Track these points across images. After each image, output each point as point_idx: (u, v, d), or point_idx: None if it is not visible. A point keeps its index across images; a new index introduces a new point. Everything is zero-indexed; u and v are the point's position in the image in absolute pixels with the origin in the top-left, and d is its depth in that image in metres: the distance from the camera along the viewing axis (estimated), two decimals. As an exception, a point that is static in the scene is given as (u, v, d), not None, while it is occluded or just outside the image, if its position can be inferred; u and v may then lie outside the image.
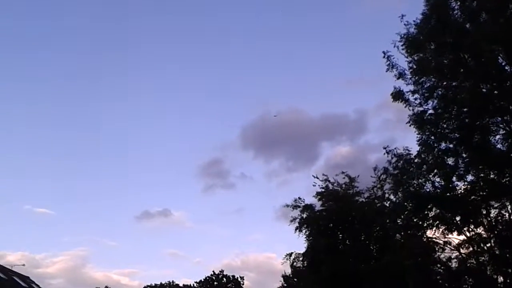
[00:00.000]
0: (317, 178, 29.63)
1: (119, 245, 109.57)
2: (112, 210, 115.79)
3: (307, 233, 29.20)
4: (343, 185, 29.21)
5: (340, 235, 29.43)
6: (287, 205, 29.82)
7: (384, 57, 21.52)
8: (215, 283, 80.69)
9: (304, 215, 29.42)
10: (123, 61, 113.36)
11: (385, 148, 22.75)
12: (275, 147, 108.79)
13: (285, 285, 53.31)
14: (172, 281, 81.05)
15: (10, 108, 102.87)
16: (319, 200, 29.35)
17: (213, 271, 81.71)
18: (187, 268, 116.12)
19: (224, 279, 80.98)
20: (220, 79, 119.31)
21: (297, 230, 29.29)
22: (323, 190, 29.24)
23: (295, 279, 47.95)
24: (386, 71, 21.67)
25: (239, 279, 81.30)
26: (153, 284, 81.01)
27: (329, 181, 29.36)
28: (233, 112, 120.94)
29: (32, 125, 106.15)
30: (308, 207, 29.48)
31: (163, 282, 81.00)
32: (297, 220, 29.45)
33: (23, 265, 34.30)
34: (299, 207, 29.56)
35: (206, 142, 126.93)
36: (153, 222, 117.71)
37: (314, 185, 29.54)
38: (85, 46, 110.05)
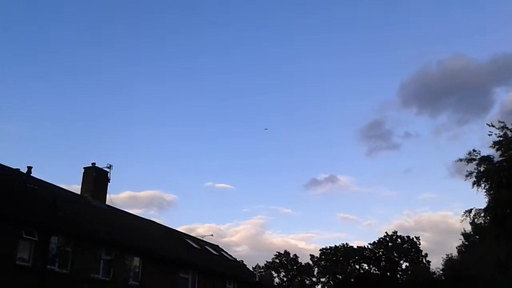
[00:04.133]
0: (493, 126, 27.24)
1: (293, 212, 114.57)
2: (283, 180, 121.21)
3: (486, 187, 27.22)
4: (525, 131, 26.41)
5: (527, 185, 26.80)
6: (460, 160, 28.09)
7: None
8: (389, 244, 79.80)
9: (482, 168, 27.41)
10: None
11: None
12: (441, 99, 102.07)
13: (465, 243, 50.54)
14: (346, 243, 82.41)
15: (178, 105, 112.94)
16: (497, 150, 27.02)
17: (386, 233, 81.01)
18: (358, 231, 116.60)
19: (399, 240, 79.61)
20: (373, 32, 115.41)
21: (475, 185, 27.45)
22: (501, 139, 26.80)
23: (477, 236, 45.16)
24: None
25: (414, 239, 79.28)
26: (328, 247, 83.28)
27: (507, 128, 26.79)
28: (388, 68, 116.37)
29: (202, 118, 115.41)
30: (485, 159, 27.36)
31: (337, 245, 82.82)
32: (474, 174, 27.56)
33: (211, 235, 37.80)
34: (475, 160, 27.62)
35: (364, 104, 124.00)
36: (321, 189, 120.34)
37: (490, 135, 27.29)
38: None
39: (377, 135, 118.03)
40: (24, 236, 15.91)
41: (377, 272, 79.33)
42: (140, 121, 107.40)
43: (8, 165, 20.57)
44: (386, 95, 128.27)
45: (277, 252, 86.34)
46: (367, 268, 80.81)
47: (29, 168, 20.20)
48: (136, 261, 21.65)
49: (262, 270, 70.78)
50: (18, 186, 18.92)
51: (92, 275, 18.70)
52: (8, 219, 15.54)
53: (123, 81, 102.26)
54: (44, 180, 22.07)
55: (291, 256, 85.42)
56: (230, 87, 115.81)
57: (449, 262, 56.23)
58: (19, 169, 20.52)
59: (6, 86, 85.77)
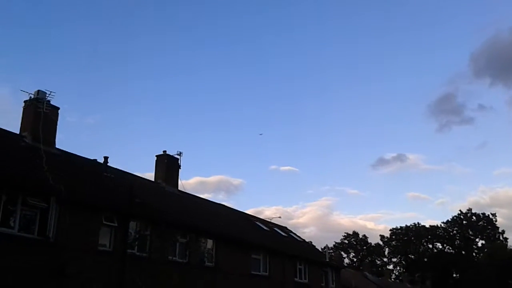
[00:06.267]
0: None
1: (360, 193, 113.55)
2: (348, 160, 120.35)
3: None
4: None
5: None
6: (539, 131, 26.48)
7: None
8: (464, 222, 77.15)
9: None
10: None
11: None
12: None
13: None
14: (418, 222, 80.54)
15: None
16: None
17: (460, 210, 78.39)
18: (430, 210, 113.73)
19: (474, 217, 76.78)
20: (439, 2, 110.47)
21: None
22: None
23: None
24: None
25: (490, 216, 76.17)
26: (399, 227, 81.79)
27: None
28: (457, 38, 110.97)
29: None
30: None
31: (408, 224, 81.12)
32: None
33: (279, 217, 38.36)
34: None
35: (432, 78, 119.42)
36: (389, 168, 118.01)
37: None
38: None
39: (448, 109, 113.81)
40: (104, 222, 16.70)
41: (451, 251, 77.14)
42: (206, 110, 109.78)
43: (86, 156, 21.76)
44: (456, 67, 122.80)
45: (345, 233, 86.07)
46: (440, 247, 78.78)
47: (106, 158, 21.20)
48: (210, 243, 22.22)
49: (332, 251, 70.77)
50: (97, 176, 19.95)
51: (169, 257, 19.39)
52: (89, 207, 16.40)
53: (190, 69, 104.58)
54: (120, 168, 23.15)
55: (360, 236, 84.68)
56: (297, 69, 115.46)
57: (529, 238, 53.74)
58: (96, 160, 21.61)
59: (79, 82, 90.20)
